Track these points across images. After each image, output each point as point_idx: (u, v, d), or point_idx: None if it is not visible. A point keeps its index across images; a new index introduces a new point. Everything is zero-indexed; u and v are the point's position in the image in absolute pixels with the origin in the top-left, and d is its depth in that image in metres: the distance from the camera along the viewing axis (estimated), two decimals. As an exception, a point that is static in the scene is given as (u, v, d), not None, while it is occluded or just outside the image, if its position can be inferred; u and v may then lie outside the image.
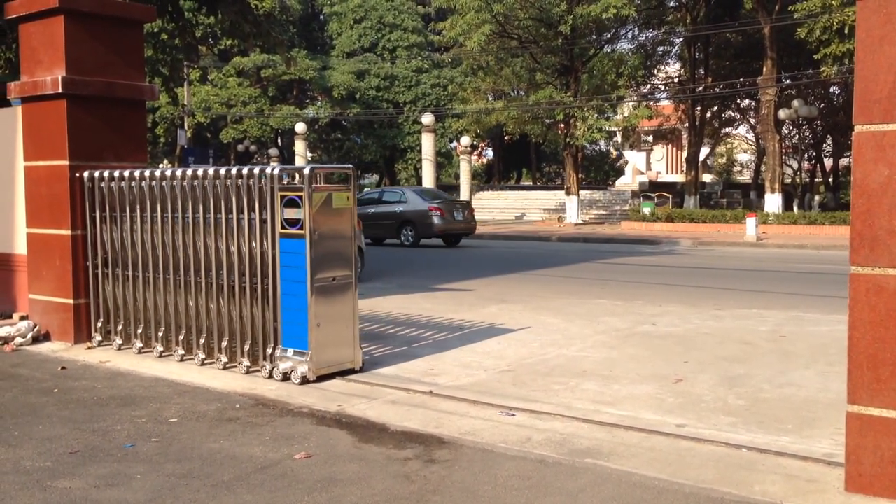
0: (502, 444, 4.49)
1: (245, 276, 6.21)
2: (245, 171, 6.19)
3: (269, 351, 6.09)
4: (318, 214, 5.82)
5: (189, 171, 6.59)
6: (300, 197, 5.77)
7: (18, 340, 7.38)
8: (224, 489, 3.86)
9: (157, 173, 6.82)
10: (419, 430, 4.76)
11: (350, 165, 6.57)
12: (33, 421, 5.04)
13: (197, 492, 3.83)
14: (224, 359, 6.38)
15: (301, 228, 5.78)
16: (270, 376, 6.03)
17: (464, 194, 32.51)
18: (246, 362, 6.22)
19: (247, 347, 6.23)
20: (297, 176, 5.90)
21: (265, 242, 6.05)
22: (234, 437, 4.66)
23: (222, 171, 6.34)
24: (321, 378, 5.94)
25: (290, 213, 5.83)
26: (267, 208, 6.01)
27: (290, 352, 5.95)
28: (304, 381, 5.86)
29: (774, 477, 3.94)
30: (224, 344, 6.37)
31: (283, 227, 5.89)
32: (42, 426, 4.92)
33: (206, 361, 6.52)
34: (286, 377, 5.95)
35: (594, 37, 32.38)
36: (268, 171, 6.03)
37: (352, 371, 6.16)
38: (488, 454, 4.33)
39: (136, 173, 6.91)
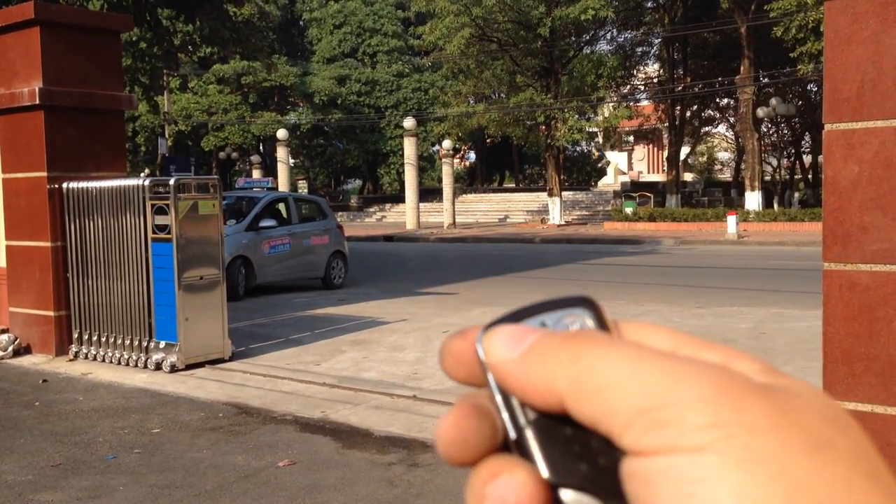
0: (485, 446, 4.51)
1: (129, 278, 6.81)
2: (125, 182, 6.79)
3: (145, 343, 6.71)
4: (185, 220, 6.48)
5: (98, 184, 7.02)
6: (167, 205, 6.43)
7: (-1, 354, 7.33)
8: (207, 498, 3.86)
9: (83, 185, 7.11)
10: (402, 435, 4.78)
11: (215, 177, 7.27)
12: (15, 434, 5.01)
13: (179, 502, 3.83)
14: (127, 354, 6.84)
15: (169, 233, 6.44)
16: (146, 366, 6.63)
17: (447, 198, 32.48)
18: (135, 356, 6.76)
19: (136, 342, 6.79)
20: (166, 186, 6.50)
21: (141, 246, 6.68)
22: (217, 446, 4.66)
23: (114, 182, 6.90)
24: (190, 366, 6.53)
25: (160, 220, 6.50)
26: (141, 215, 6.65)
27: (163, 344, 6.60)
28: (174, 369, 6.49)
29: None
30: (129, 341, 6.87)
31: (154, 232, 6.55)
32: (24, 440, 4.90)
33: (123, 360, 6.88)
34: (158, 366, 6.56)
35: (573, 38, 32.49)
36: (141, 182, 6.66)
37: (221, 360, 6.79)
38: (471, 457, 4.35)
39: (84, 185, 7.11)
